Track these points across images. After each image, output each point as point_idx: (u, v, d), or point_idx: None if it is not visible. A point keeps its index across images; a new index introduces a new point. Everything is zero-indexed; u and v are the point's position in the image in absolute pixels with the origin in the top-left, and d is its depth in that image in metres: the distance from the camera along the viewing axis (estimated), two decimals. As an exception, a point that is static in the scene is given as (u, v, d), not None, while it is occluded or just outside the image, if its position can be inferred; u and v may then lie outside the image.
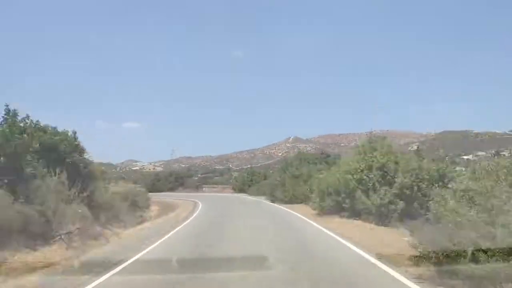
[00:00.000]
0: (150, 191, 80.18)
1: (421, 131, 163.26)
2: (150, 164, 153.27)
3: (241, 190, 67.15)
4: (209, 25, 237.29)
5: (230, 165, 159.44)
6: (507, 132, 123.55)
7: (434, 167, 20.15)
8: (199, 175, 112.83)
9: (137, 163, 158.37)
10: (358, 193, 20.98)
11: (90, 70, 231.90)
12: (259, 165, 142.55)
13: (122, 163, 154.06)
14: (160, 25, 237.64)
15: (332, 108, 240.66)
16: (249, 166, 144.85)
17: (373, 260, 10.76)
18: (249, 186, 64.34)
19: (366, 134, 28.35)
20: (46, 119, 17.74)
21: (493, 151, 64.09)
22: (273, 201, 41.50)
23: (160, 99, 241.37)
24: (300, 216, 25.13)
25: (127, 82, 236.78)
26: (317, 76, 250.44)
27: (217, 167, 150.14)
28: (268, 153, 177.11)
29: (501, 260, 7.22)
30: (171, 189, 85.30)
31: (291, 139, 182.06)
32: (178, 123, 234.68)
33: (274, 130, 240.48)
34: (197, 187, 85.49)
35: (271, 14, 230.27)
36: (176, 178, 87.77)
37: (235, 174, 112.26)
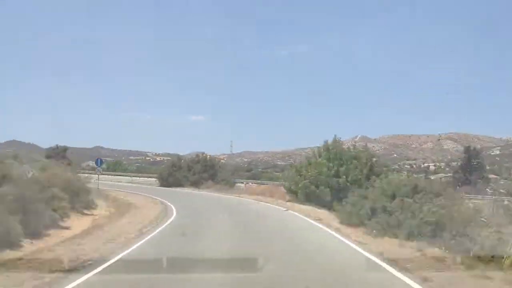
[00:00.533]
0: (166, 186, 49.81)
1: (500, 135, 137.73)
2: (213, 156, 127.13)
3: (307, 198, 25.71)
4: (273, 21, 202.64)
5: (293, 161, 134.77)
6: None
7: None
8: (259, 170, 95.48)
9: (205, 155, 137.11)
10: None
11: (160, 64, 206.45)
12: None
13: (189, 154, 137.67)
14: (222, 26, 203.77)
15: (402, 107, 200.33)
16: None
17: None
18: (340, 195, 22.86)
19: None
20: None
21: None
22: None
23: (226, 94, 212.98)
24: None
25: (195, 74, 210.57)
26: (387, 73, 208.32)
27: (279, 162, 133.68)
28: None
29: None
30: (195, 184, 48.72)
31: (357, 137, 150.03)
32: (244, 118, 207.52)
33: (339, 127, 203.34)
34: (232, 184, 47.87)
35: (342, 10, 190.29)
36: (204, 168, 49.90)
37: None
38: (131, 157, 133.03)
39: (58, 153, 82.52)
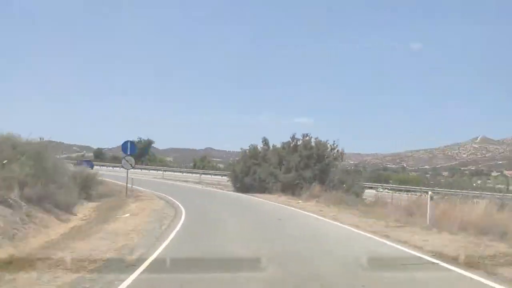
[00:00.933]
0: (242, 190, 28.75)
1: None
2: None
3: None
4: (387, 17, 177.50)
5: (405, 164, 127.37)
6: None
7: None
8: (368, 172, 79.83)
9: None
10: None
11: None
12: (438, 166, 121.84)
13: None
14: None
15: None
16: (426, 166, 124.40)
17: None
18: None
19: None
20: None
21: None
22: None
23: (331, 94, 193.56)
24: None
25: (301, 74, 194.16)
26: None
27: (388, 165, 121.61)
28: (450, 153, 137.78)
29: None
30: (289, 189, 25.10)
31: (478, 139, 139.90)
32: (349, 120, 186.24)
33: (458, 128, 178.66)
34: (358, 193, 22.91)
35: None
36: (306, 161, 25.44)
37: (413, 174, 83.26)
38: (237, 158, 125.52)
39: (141, 148, 69.87)
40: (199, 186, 34.63)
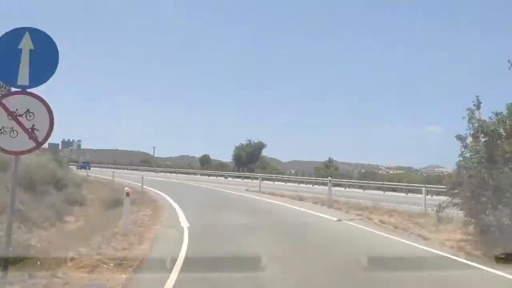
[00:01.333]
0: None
1: None
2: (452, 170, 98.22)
3: None
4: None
5: None
6: None
7: None
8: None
9: (441, 168, 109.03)
10: None
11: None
12: None
13: (425, 168, 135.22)
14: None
15: None
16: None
17: None
18: None
19: None
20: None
21: None
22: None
23: (465, 99, 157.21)
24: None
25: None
26: None
27: None
28: None
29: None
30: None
31: None
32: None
33: None
34: None
35: None
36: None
37: None
38: (362, 171, 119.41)
39: (251, 152, 62.27)
40: (334, 217, 12.49)
